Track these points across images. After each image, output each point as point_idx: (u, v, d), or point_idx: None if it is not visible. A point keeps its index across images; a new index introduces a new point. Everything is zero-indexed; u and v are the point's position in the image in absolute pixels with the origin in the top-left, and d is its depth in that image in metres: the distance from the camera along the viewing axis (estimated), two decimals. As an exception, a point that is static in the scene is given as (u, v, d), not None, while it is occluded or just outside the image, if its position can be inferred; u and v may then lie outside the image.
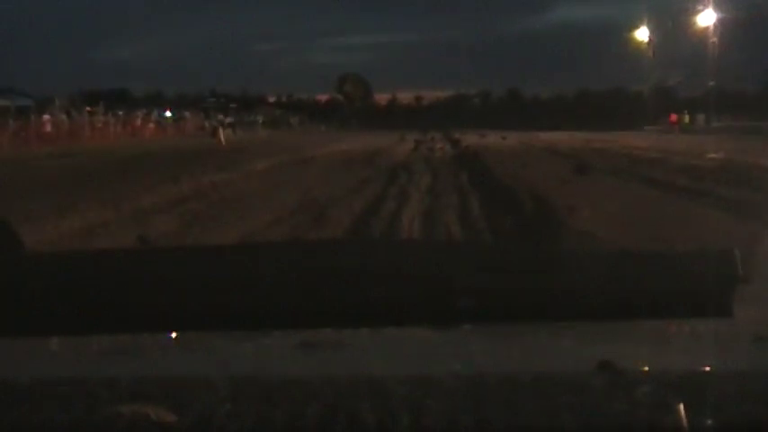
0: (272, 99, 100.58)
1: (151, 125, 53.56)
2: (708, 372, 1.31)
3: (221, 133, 40.46)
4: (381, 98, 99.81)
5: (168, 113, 61.18)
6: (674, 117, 59.63)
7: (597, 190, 14.30)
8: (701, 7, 59.40)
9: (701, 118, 59.77)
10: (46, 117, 42.27)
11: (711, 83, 61.79)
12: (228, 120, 57.88)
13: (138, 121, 52.57)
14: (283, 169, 21.31)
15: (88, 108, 47.74)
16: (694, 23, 60.59)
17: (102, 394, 1.07)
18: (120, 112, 52.07)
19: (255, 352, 1.52)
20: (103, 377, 1.16)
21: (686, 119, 59.60)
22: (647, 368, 1.32)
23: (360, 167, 21.57)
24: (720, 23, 58.81)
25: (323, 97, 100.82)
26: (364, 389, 1.08)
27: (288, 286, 1.69)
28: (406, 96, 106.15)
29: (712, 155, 22.85)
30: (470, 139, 41.02)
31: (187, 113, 62.13)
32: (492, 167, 20.53)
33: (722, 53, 59.08)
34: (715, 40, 58.69)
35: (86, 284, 1.73)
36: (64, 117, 44.03)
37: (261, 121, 71.08)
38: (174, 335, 1.61)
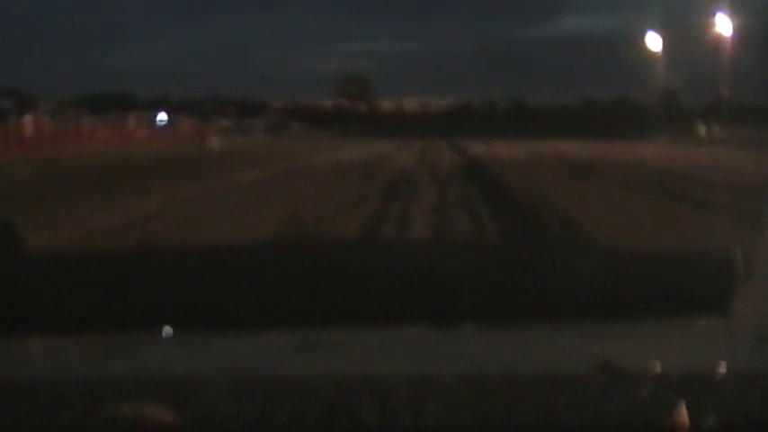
0: (276, 105, 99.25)
1: (144, 129, 51.13)
2: (708, 371, 1.29)
3: (212, 139, 38.53)
4: (385, 105, 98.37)
5: (164, 117, 58.87)
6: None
7: (642, 213, 12.09)
8: (711, 16, 57.56)
9: (715, 128, 57.82)
10: (27, 119, 39.93)
11: (725, 92, 59.93)
12: (225, 125, 55.94)
13: (130, 126, 50.22)
14: (273, 181, 19.07)
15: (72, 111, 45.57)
16: (704, 32, 58.76)
17: (103, 393, 1.07)
18: (118, 116, 49.99)
19: (256, 351, 1.52)
20: (104, 376, 1.19)
21: (702, 129, 57.61)
22: (647, 367, 1.29)
23: (357, 180, 19.27)
24: (732, 32, 56.99)
25: (327, 104, 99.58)
26: (365, 388, 1.08)
27: (288, 286, 1.74)
28: (410, 104, 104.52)
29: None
30: (477, 148, 38.93)
31: (183, 117, 59.72)
32: (507, 183, 18.23)
33: (733, 62, 57.33)
34: (727, 48, 56.91)
35: (86, 284, 1.75)
36: (48, 119, 41.89)
37: (261, 127, 69.11)
38: (173, 334, 1.56)
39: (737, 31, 54.69)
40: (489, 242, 8.98)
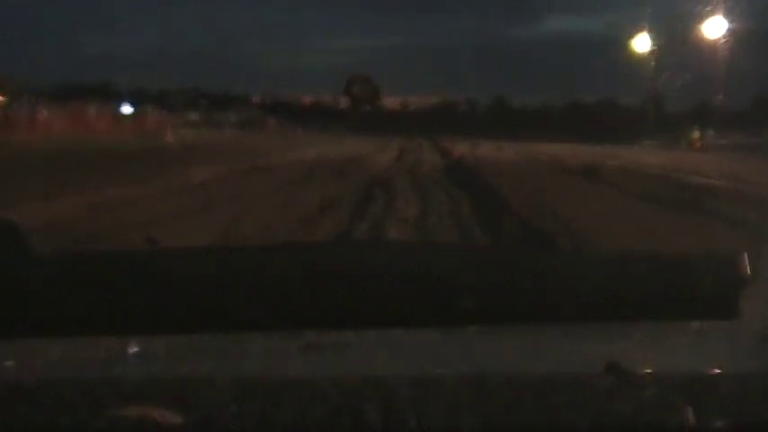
0: (254, 99, 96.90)
1: (106, 120, 48.04)
2: (714, 373, 1.30)
3: (168, 133, 35.92)
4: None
5: (128, 107, 55.85)
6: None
7: (681, 234, 9.49)
8: (703, 19, 55.54)
9: (708, 133, 55.83)
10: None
11: (717, 96, 57.90)
12: (193, 117, 53.16)
13: (91, 116, 47.13)
14: (226, 182, 16.33)
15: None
16: (696, 35, 56.77)
17: (107, 395, 1.07)
18: (80, 105, 47.07)
19: (260, 353, 1.53)
20: (107, 378, 1.17)
21: (695, 134, 55.53)
22: (653, 370, 1.29)
23: (325, 183, 16.60)
24: (724, 35, 55.01)
25: (306, 99, 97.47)
26: (368, 390, 1.10)
27: (291, 287, 1.69)
28: (391, 102, 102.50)
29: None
30: (461, 148, 36.50)
31: (152, 109, 56.73)
32: (501, 191, 15.42)
33: (725, 66, 55.35)
34: (718, 52, 54.90)
35: (89, 285, 1.72)
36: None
37: (232, 121, 66.32)
38: (178, 336, 1.57)
39: (729, 34, 52.66)
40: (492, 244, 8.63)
